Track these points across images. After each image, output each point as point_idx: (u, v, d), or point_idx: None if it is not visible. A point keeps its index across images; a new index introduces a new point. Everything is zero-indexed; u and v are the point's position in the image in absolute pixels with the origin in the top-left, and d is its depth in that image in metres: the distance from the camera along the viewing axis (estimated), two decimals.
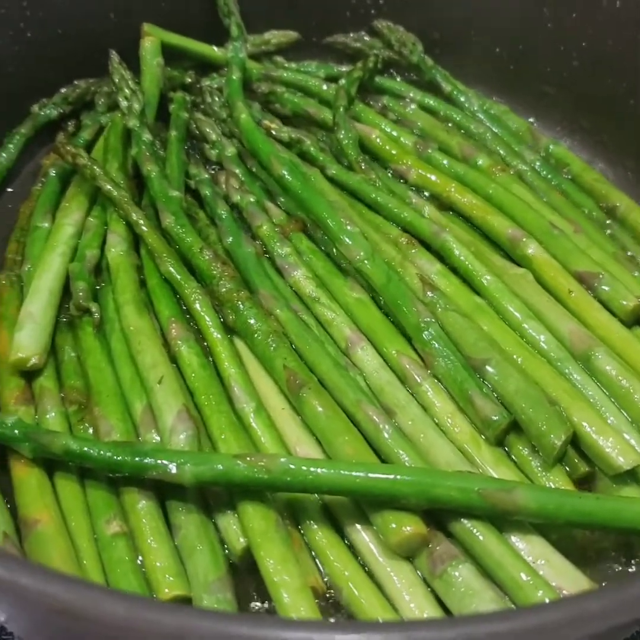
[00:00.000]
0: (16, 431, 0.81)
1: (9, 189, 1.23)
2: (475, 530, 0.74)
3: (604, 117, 1.26)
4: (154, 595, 0.74)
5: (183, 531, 0.78)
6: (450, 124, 1.30)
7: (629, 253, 1.10)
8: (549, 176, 1.21)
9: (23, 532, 0.78)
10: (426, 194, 1.16)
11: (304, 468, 0.74)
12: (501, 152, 1.23)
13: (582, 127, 1.30)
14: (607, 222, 1.14)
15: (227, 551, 0.79)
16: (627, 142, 1.24)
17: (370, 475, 0.73)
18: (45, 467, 0.84)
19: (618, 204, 1.15)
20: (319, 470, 0.74)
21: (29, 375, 0.93)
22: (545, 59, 1.30)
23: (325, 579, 0.77)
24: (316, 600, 0.72)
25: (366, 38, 1.40)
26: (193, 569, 0.75)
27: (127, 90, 1.18)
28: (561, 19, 1.25)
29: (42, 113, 1.26)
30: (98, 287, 1.02)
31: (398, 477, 0.73)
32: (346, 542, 0.79)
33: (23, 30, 1.20)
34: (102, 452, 0.78)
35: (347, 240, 1.00)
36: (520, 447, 0.85)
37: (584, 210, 1.16)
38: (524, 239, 1.03)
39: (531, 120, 1.33)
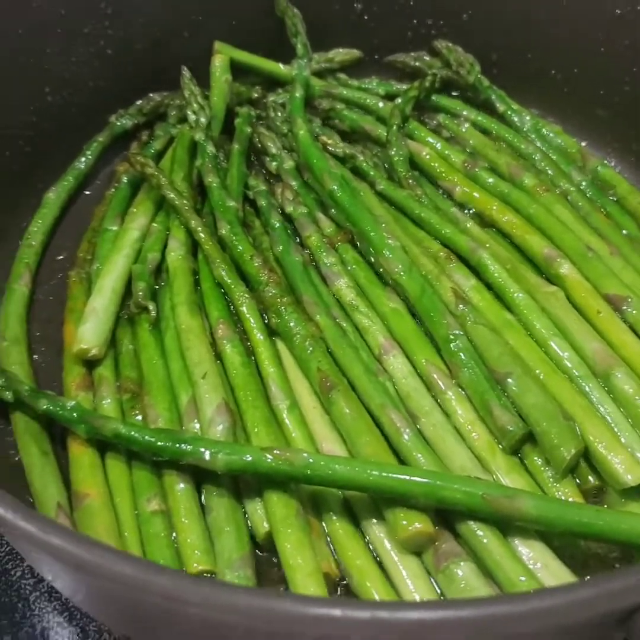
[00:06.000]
0: (74, 414, 0.89)
1: (87, 192, 1.32)
2: (479, 532, 0.79)
3: None
4: (184, 568, 0.82)
5: (214, 513, 0.85)
6: (502, 143, 1.32)
7: None
8: (594, 197, 1.23)
9: (74, 504, 0.87)
10: (470, 210, 1.20)
11: (323, 463, 0.80)
12: (549, 172, 1.26)
13: (632, 150, 1.31)
14: None
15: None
16: None
17: (383, 474, 0.79)
18: (98, 447, 0.92)
19: None
20: (336, 466, 0.80)
21: (90, 364, 1.02)
22: (597, 82, 1.32)
23: (340, 567, 0.83)
24: (328, 585, 0.78)
25: (426, 57, 1.44)
26: (220, 547, 0.82)
27: (195, 105, 1.26)
28: (614, 44, 1.27)
29: (119, 123, 1.35)
30: (157, 287, 1.10)
31: (408, 477, 0.78)
32: (361, 534, 0.84)
33: (104, 47, 1.30)
34: (146, 437, 0.85)
35: (387, 253, 1.06)
36: (535, 457, 0.89)
37: (625, 232, 1.18)
38: (559, 259, 1.06)
39: (583, 141, 1.34)
